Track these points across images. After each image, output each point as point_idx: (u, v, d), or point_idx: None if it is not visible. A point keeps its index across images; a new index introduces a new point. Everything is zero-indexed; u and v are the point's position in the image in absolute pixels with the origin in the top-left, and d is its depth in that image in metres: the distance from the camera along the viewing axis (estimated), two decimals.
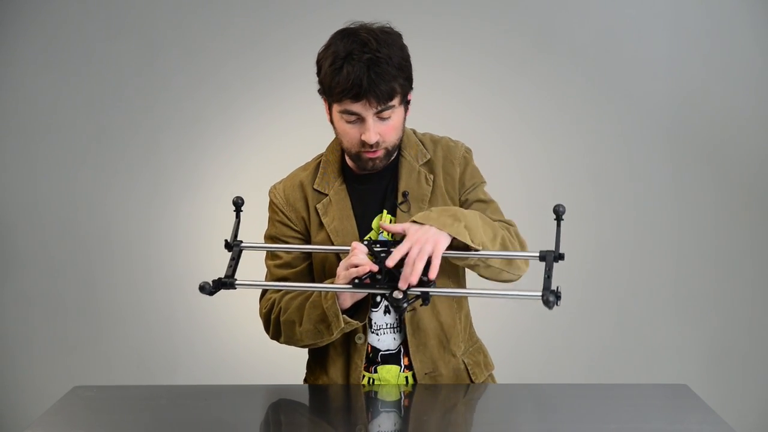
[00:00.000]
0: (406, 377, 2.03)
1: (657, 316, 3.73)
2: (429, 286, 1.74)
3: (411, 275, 1.72)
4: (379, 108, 1.84)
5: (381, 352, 2.02)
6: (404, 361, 2.02)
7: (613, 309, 3.74)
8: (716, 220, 3.70)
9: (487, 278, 1.95)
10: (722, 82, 3.67)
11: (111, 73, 3.76)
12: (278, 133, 3.76)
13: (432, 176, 2.00)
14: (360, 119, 1.86)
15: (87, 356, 3.78)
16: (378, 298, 2.01)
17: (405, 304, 1.73)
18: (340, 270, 1.82)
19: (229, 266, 1.86)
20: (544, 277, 1.70)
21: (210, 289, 1.79)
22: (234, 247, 1.90)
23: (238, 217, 1.94)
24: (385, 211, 1.99)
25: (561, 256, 1.74)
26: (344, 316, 1.88)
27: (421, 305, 1.85)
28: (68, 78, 3.76)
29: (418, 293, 1.75)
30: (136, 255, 3.81)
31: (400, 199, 1.97)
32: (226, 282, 1.82)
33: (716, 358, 3.71)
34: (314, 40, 3.89)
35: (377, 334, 2.02)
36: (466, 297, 2.08)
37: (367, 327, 2.00)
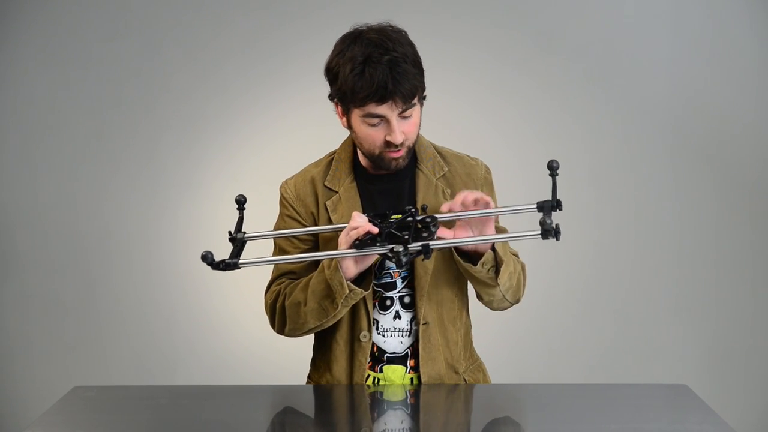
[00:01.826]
0: (411, 378, 2.03)
1: (657, 316, 3.73)
2: (429, 240, 1.78)
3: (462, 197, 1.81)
4: (404, 108, 1.85)
5: (387, 354, 2.03)
6: (410, 362, 2.02)
7: (613, 309, 3.74)
8: (717, 221, 3.70)
9: (489, 306, 2.03)
10: (723, 83, 3.67)
11: (111, 72, 3.76)
12: (278, 133, 3.76)
13: (449, 190, 2.01)
14: (384, 121, 1.87)
15: (87, 356, 3.78)
16: (388, 302, 2.01)
17: (405, 258, 1.75)
18: (342, 237, 1.84)
19: (233, 252, 1.89)
20: (544, 219, 1.75)
21: (212, 258, 1.82)
22: (237, 238, 1.93)
23: (241, 213, 1.96)
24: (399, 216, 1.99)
25: (558, 204, 1.79)
26: (348, 283, 1.88)
27: (423, 260, 1.87)
28: (68, 78, 3.76)
29: (419, 247, 1.77)
30: (136, 255, 3.81)
31: (419, 212, 1.98)
32: (230, 263, 1.85)
33: (716, 358, 3.71)
34: (314, 40, 3.90)
35: (383, 336, 2.02)
36: (467, 316, 2.09)
37: (372, 325, 2.01)
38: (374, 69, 1.81)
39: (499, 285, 1.92)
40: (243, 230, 1.94)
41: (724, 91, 3.67)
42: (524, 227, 1.81)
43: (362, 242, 1.81)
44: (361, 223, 1.81)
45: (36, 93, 3.76)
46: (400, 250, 1.74)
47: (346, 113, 1.91)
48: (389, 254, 1.76)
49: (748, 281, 3.70)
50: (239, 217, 1.96)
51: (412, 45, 1.88)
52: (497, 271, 1.90)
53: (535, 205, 1.81)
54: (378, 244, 1.81)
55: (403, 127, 1.88)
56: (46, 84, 3.76)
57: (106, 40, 3.74)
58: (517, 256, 2.05)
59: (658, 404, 1.89)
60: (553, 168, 1.83)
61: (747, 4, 3.65)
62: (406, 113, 1.87)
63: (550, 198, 1.80)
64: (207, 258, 1.83)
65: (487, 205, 1.83)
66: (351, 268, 1.88)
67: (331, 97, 1.93)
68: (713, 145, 3.68)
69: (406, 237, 1.78)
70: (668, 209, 3.72)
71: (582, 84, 3.72)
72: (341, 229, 1.94)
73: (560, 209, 1.79)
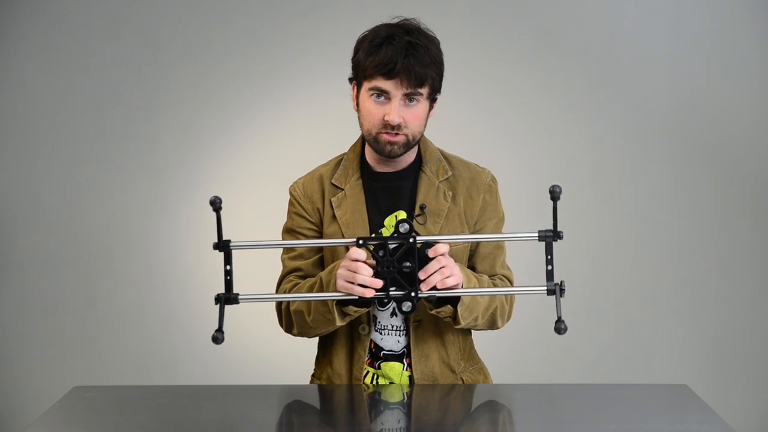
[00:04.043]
0: (409, 376, 2.03)
1: (657, 316, 3.73)
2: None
3: (435, 282, 1.80)
4: (408, 90, 1.88)
5: (384, 351, 2.03)
6: (407, 360, 2.03)
7: (613, 309, 3.74)
8: (716, 220, 3.70)
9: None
10: (722, 82, 3.67)
11: (111, 72, 3.76)
12: (278, 134, 3.76)
13: (451, 193, 2.02)
14: (387, 99, 1.89)
15: (87, 356, 3.78)
16: (386, 299, 2.01)
17: (413, 313, 1.82)
18: (341, 279, 1.82)
19: (226, 274, 1.84)
20: (546, 270, 1.76)
21: (221, 338, 1.81)
22: (224, 248, 1.86)
23: (218, 217, 1.88)
24: (402, 212, 2.00)
25: (559, 235, 1.78)
26: (351, 306, 1.90)
27: (427, 302, 1.90)
28: (68, 78, 3.76)
29: (425, 296, 1.80)
30: (137, 255, 3.81)
31: (417, 211, 1.99)
32: (229, 297, 1.82)
33: (716, 358, 3.71)
34: (315, 40, 3.91)
35: (381, 334, 2.03)
36: None
37: (371, 319, 2.02)
38: (391, 46, 1.86)
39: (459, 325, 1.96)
40: (227, 239, 1.87)
41: (724, 91, 3.67)
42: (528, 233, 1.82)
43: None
44: (366, 280, 1.78)
45: (36, 93, 3.76)
46: (409, 309, 1.79)
47: (358, 91, 1.95)
48: (396, 305, 1.80)
49: (748, 281, 3.70)
50: (218, 222, 1.88)
51: (439, 49, 1.93)
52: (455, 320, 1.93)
53: (536, 235, 1.79)
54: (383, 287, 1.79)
55: (403, 113, 1.90)
56: (46, 84, 3.75)
57: (106, 40, 3.74)
58: (510, 280, 2.06)
59: (658, 404, 1.89)
60: (554, 193, 1.76)
61: (747, 4, 3.65)
62: (411, 99, 1.89)
63: (549, 205, 1.78)
64: (218, 339, 1.81)
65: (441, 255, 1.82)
66: None
67: (350, 78, 1.98)
68: (713, 145, 3.68)
69: (413, 294, 1.78)
70: (668, 209, 3.72)
71: (581, 83, 3.71)
72: (338, 244, 1.95)
73: (561, 239, 1.78)
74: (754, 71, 3.66)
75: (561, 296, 1.74)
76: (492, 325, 2.03)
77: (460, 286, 1.84)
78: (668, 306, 3.73)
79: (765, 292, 3.70)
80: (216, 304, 1.81)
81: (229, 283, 1.84)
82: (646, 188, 3.72)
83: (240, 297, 1.82)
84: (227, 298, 1.82)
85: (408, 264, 1.78)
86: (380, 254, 1.79)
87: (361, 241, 1.81)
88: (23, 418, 3.60)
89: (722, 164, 3.68)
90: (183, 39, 3.76)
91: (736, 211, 3.69)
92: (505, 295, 2.02)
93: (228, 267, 1.84)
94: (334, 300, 1.89)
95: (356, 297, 1.81)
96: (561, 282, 1.74)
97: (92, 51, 3.75)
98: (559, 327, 1.74)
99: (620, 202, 3.73)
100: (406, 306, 1.77)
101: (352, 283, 1.80)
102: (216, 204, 1.86)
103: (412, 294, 1.78)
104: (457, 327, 1.96)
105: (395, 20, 1.93)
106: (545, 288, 1.74)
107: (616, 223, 3.73)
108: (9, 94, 3.76)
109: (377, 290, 1.79)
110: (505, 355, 3.49)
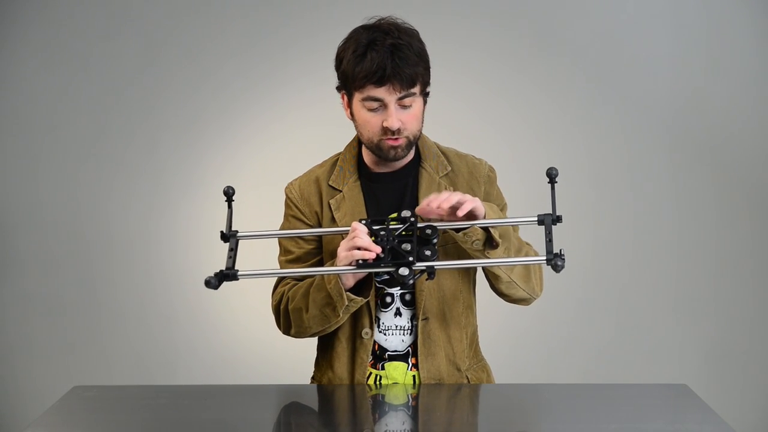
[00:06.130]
0: (413, 376, 2.03)
1: (657, 316, 3.73)
2: (433, 260, 1.76)
3: (438, 201, 1.77)
4: (402, 93, 1.86)
5: (388, 352, 2.03)
6: (412, 360, 2.03)
7: (613, 309, 3.74)
8: (716, 220, 3.70)
9: (499, 290, 1.99)
10: (722, 82, 3.67)
11: (111, 72, 3.76)
12: (278, 133, 3.76)
13: (452, 188, 2.01)
14: (383, 106, 1.88)
15: (87, 356, 3.78)
16: (388, 299, 2.01)
17: (411, 281, 1.76)
18: (341, 251, 1.82)
19: (229, 257, 1.86)
20: (546, 241, 1.75)
21: (215, 283, 1.79)
22: (230, 237, 1.89)
23: (230, 207, 1.92)
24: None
25: (559, 219, 1.78)
26: (348, 293, 1.89)
27: (426, 279, 1.86)
28: (68, 78, 3.76)
29: (424, 268, 1.76)
30: (137, 254, 3.81)
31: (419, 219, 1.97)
32: (228, 273, 1.82)
33: (716, 358, 3.71)
34: (314, 39, 3.91)
35: (385, 335, 2.02)
36: (473, 316, 2.09)
37: (373, 322, 2.01)
38: (375, 52, 1.84)
39: (499, 266, 1.90)
40: (235, 229, 1.90)
41: (724, 91, 3.67)
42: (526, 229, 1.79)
43: (365, 260, 1.79)
44: (365, 244, 1.78)
45: (36, 93, 3.77)
46: (406, 274, 1.74)
47: (349, 101, 1.94)
48: (393, 274, 1.76)
49: (747, 281, 3.70)
50: (229, 212, 1.91)
51: (420, 41, 1.91)
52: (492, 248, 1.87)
53: (536, 218, 1.80)
54: (381, 259, 1.78)
55: (401, 116, 1.89)
56: (46, 84, 3.76)
57: (106, 40, 3.75)
58: (530, 246, 2.04)
59: (658, 404, 1.89)
60: (552, 176, 1.80)
61: (747, 4, 3.65)
62: (405, 101, 1.88)
63: (549, 205, 1.78)
64: (211, 283, 1.79)
65: (465, 207, 1.79)
66: (350, 278, 1.89)
67: (338, 87, 1.96)
68: (713, 145, 3.68)
69: (411, 259, 1.76)
70: (668, 209, 3.72)
71: (581, 83, 3.72)
72: (339, 232, 1.94)
73: (560, 222, 1.78)
74: (754, 71, 3.66)
75: (562, 266, 1.70)
76: (528, 278, 1.97)
77: (482, 214, 1.81)
78: (668, 306, 3.73)
79: (765, 292, 3.71)
80: (214, 275, 1.79)
81: (231, 262, 1.85)
82: (646, 188, 3.73)
83: (239, 273, 1.83)
84: (226, 274, 1.82)
85: (407, 246, 1.78)
86: (382, 234, 1.80)
87: (363, 221, 1.83)
88: (23, 418, 3.60)
89: (722, 164, 3.68)
90: (183, 39, 3.76)
91: (736, 210, 3.69)
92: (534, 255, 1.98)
93: (232, 251, 1.87)
94: (337, 274, 1.86)
95: (356, 269, 1.79)
96: (560, 250, 1.72)
97: (92, 51, 3.75)
98: (556, 263, 1.70)
99: (619, 202, 3.73)
100: (403, 270, 1.74)
101: (351, 249, 1.79)
102: (229, 194, 1.91)
103: (410, 259, 1.76)
104: (498, 274, 1.91)
105: (371, 21, 1.91)
106: (544, 258, 1.73)
107: (616, 222, 3.73)
108: (9, 94, 3.76)
109: (375, 261, 1.77)
110: (505, 355, 3.49)
